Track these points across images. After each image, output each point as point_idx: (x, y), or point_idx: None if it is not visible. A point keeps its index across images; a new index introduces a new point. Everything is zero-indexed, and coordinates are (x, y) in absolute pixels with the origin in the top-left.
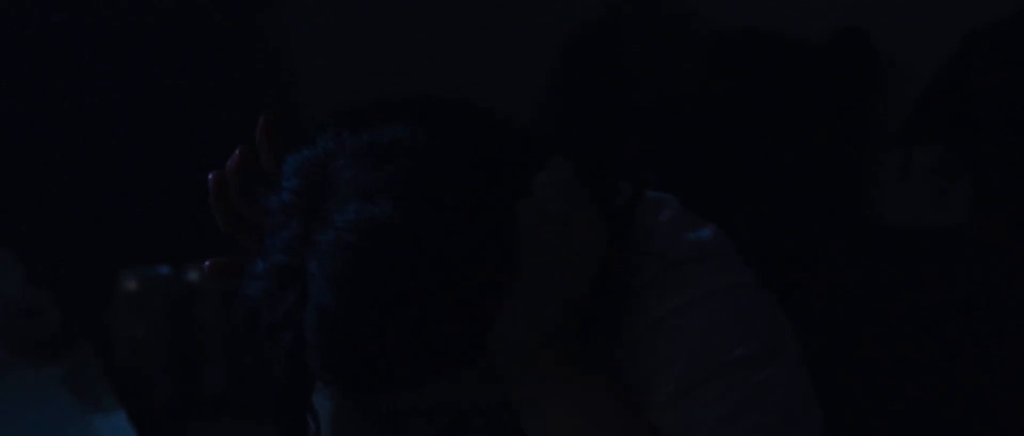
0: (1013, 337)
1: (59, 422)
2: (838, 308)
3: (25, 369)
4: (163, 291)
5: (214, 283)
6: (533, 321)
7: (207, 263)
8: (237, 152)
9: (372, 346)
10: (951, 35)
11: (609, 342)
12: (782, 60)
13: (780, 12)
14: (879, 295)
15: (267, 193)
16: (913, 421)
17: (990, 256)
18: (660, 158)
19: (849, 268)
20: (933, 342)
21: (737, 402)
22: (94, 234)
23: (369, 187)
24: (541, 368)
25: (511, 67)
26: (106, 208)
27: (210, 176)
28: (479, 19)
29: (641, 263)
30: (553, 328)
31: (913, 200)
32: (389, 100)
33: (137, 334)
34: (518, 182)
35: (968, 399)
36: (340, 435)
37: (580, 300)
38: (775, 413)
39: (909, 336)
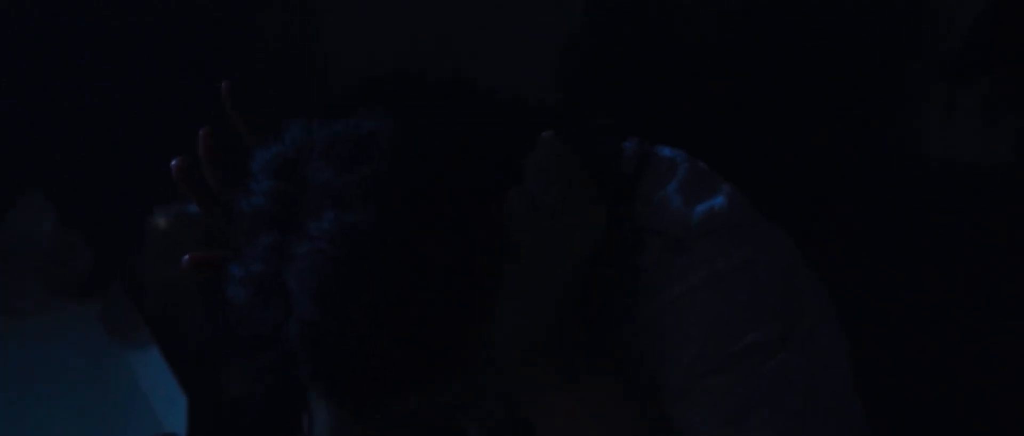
0: None
1: (94, 358)
2: (882, 244)
3: (60, 306)
4: (193, 229)
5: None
6: (530, 316)
7: (186, 257)
8: (202, 134)
9: (361, 357)
10: None
11: (617, 327)
12: None
13: None
14: (924, 231)
15: (236, 193)
16: (951, 352)
17: None
18: (695, 98)
19: (894, 204)
20: (981, 278)
21: (748, 395)
22: (125, 174)
23: (344, 192)
24: (542, 375)
25: (525, 30)
26: (137, 148)
27: (173, 163)
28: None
29: (647, 242)
30: (552, 321)
31: (960, 136)
32: (362, 83)
33: (168, 272)
34: (505, 171)
35: (1017, 330)
36: None
37: (578, 288)
38: (792, 400)
39: (956, 273)
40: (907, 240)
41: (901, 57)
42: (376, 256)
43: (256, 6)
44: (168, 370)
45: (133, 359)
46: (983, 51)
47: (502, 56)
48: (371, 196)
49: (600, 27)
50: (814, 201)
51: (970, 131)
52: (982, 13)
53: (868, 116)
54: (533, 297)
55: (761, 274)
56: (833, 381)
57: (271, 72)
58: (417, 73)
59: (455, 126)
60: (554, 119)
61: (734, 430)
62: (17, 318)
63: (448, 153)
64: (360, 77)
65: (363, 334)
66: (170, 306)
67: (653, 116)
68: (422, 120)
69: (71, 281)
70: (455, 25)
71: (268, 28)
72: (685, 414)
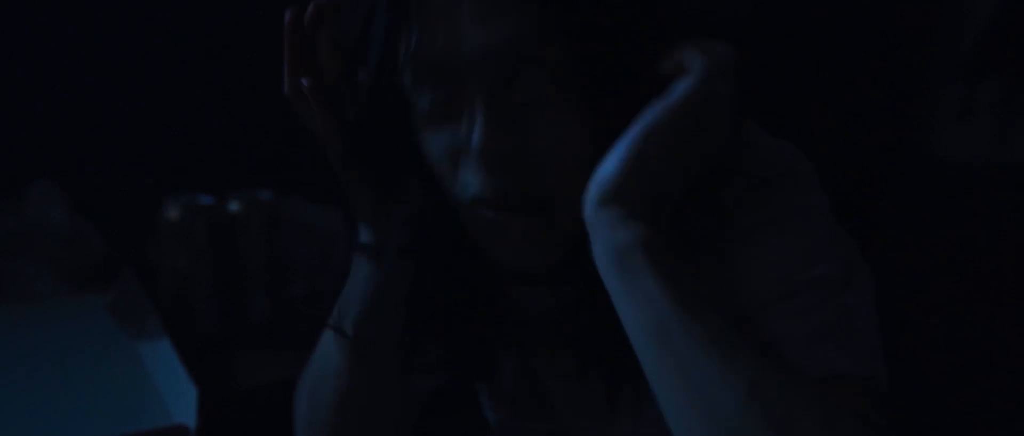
0: None
1: (104, 348)
2: (900, 244)
3: (70, 296)
4: (205, 220)
5: (257, 209)
6: (646, 174)
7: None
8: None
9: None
10: None
11: (697, 254)
12: None
13: None
14: (939, 231)
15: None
16: (965, 353)
17: None
18: None
19: (910, 204)
20: (995, 278)
21: (825, 321)
22: (137, 163)
23: None
24: (635, 262)
25: None
26: (149, 137)
27: (287, 14)
28: None
29: (731, 179)
30: (657, 197)
31: (974, 137)
32: None
33: (180, 263)
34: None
35: None
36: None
37: (687, 189)
38: (858, 337)
39: (972, 271)
40: (922, 241)
41: (915, 58)
42: None
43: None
44: (178, 361)
45: (143, 349)
46: (997, 51)
47: None
48: None
49: None
50: (830, 202)
51: (985, 132)
52: (995, 14)
53: (884, 117)
54: (655, 147)
55: (828, 218)
56: (874, 326)
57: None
58: None
59: None
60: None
61: (810, 350)
62: (28, 305)
63: None
64: None
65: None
66: (181, 296)
67: None
68: None
69: (82, 270)
70: None
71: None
72: (763, 335)
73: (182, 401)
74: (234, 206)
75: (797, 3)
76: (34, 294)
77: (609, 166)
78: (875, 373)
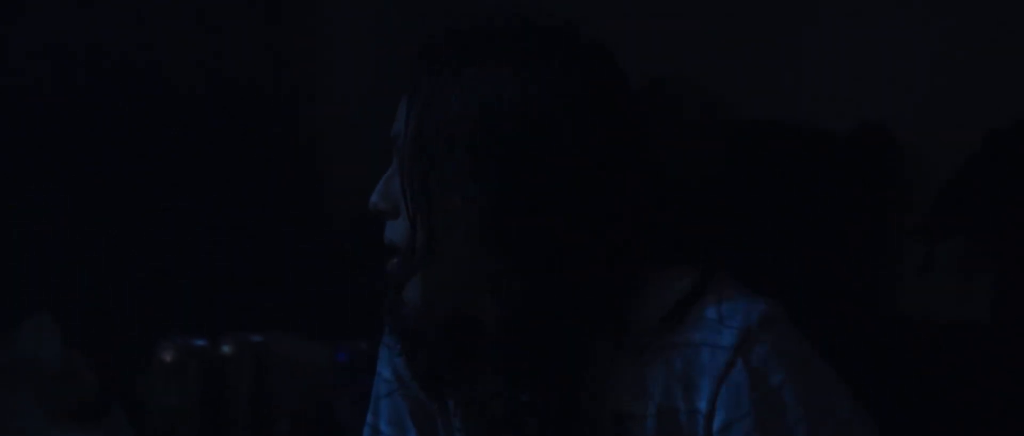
0: None
1: None
2: (861, 403)
3: (60, 432)
4: (198, 362)
5: (248, 352)
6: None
7: None
8: None
9: None
10: (972, 129)
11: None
12: (804, 153)
13: (803, 105)
14: (901, 389)
15: None
16: None
17: (1013, 350)
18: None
19: (871, 362)
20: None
21: None
22: (132, 301)
23: None
24: None
25: None
26: (146, 274)
27: None
28: None
29: (736, 307)
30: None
31: (935, 294)
32: None
33: (170, 402)
34: None
35: None
36: None
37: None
38: None
39: (932, 431)
40: (884, 400)
41: (877, 214)
42: None
43: (256, 133)
44: None
45: None
46: (957, 210)
47: None
48: None
49: None
50: None
51: (946, 287)
52: (958, 171)
53: (845, 277)
54: None
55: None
56: None
57: (270, 193)
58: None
59: None
60: None
61: None
62: None
63: None
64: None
65: None
66: (169, 434)
67: None
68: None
69: (73, 406)
70: None
71: (269, 156)
72: None
73: None
74: (226, 348)
75: (760, 158)
76: (23, 430)
77: None
78: None
